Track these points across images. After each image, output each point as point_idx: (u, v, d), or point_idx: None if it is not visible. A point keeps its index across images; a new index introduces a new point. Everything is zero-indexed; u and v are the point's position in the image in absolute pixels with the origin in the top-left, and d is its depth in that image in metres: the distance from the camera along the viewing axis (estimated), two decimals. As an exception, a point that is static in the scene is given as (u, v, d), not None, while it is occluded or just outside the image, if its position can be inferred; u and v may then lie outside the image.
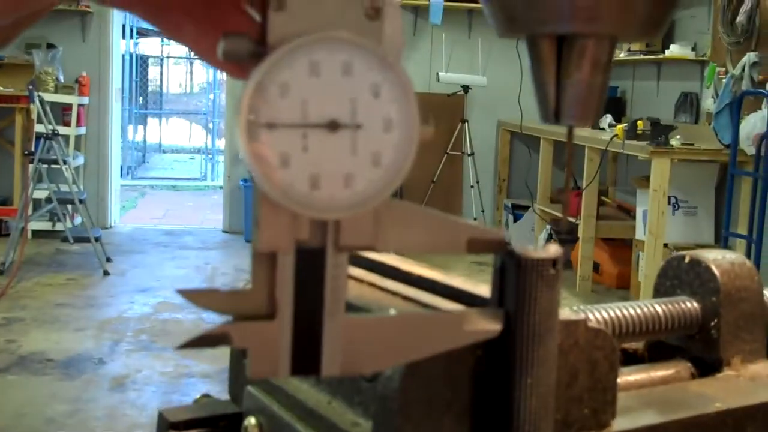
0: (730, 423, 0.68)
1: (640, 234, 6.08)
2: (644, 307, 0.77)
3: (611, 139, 6.13)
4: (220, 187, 9.79)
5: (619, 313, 0.75)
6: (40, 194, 7.24)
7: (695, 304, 0.79)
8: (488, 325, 0.53)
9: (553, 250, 0.54)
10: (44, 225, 7.73)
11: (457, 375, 0.55)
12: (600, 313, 0.75)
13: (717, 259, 0.79)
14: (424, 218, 0.52)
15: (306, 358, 0.49)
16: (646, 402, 0.68)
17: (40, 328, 5.46)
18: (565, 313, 0.58)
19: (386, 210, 0.50)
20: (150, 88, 16.48)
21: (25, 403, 4.27)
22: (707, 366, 0.78)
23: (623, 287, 6.50)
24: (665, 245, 5.67)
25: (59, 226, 7.55)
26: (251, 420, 0.67)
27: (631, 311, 0.76)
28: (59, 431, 3.98)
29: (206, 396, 0.74)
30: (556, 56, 0.54)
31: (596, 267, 6.68)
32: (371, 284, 0.65)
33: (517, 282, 0.53)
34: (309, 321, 0.49)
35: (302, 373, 0.50)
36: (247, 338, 0.49)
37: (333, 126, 0.48)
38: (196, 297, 0.49)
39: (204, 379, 4.71)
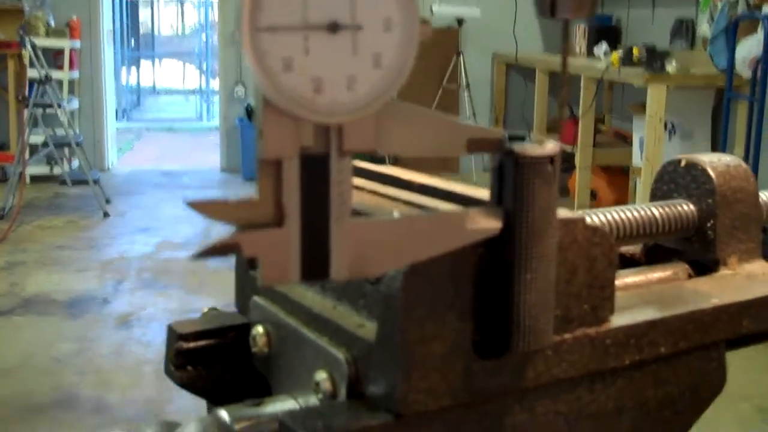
0: (725, 318, 0.70)
1: (636, 160, 6.07)
2: (641, 210, 0.78)
3: (607, 67, 6.10)
4: (216, 128, 9.75)
5: (616, 216, 0.76)
6: (37, 139, 7.21)
7: (692, 207, 0.80)
8: (489, 224, 0.55)
9: (550, 147, 0.55)
10: (42, 169, 7.71)
11: (460, 273, 0.56)
12: (598, 216, 0.76)
13: (713, 161, 0.80)
14: (425, 119, 0.53)
15: (315, 263, 0.50)
16: (644, 300, 0.69)
17: (42, 270, 5.48)
18: (564, 212, 0.60)
19: (388, 112, 0.51)
20: (141, 31, 16.28)
21: (31, 343, 4.31)
22: (704, 267, 0.80)
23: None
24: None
25: (57, 170, 7.53)
26: (258, 329, 0.69)
27: (629, 214, 0.77)
28: (67, 369, 4.02)
29: (213, 309, 0.75)
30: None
31: (593, 195, 6.69)
32: (372, 192, 0.66)
33: (515, 179, 0.54)
34: (316, 226, 0.50)
35: (312, 278, 0.51)
36: (256, 246, 0.50)
37: (333, 27, 0.48)
38: (204, 207, 0.50)
39: (208, 315, 4.75)
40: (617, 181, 6.69)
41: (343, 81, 0.49)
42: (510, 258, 0.55)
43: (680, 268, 0.80)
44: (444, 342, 0.56)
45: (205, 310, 0.75)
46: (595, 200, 6.74)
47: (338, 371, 0.60)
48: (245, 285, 0.73)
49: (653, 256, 0.83)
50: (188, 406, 3.65)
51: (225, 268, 5.58)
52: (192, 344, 0.70)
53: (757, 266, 0.80)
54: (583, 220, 0.60)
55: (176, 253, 5.90)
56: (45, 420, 3.51)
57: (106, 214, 6.74)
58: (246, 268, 0.73)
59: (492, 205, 0.56)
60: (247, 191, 7.78)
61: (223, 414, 0.59)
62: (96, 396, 3.74)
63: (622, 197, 6.54)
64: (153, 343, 4.36)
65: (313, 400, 0.61)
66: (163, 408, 3.58)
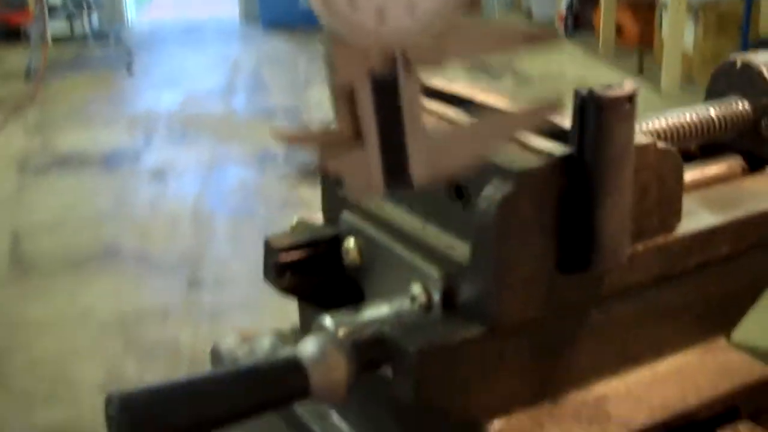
0: None
1: (663, -7, 5.97)
2: (700, 111, 0.83)
3: None
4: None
5: (677, 121, 0.81)
6: (55, -1, 7.15)
7: (746, 105, 0.84)
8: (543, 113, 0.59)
9: (629, 86, 0.59)
10: (63, 30, 7.65)
11: (545, 204, 0.61)
12: (660, 122, 0.80)
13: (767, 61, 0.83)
14: (482, 30, 0.57)
15: (396, 174, 0.56)
16: (705, 204, 0.74)
17: (72, 127, 5.54)
18: (638, 137, 0.64)
19: (448, 30, 0.55)
20: None
21: (71, 199, 4.42)
22: (757, 160, 0.85)
23: (646, 47, 6.44)
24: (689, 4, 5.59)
25: (77, 30, 7.49)
26: (350, 242, 0.75)
27: (688, 117, 0.82)
28: (106, 222, 4.14)
29: (302, 221, 0.81)
30: None
31: (618, 29, 6.61)
32: (433, 113, 0.70)
33: (597, 118, 0.59)
34: (393, 142, 0.56)
35: (395, 187, 0.56)
36: (341, 166, 0.56)
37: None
38: (290, 137, 0.55)
39: (239, 165, 4.83)
40: (643, 15, 6.58)
41: (403, 8, 0.53)
42: (592, 188, 0.60)
43: (734, 162, 0.85)
44: (531, 264, 0.62)
45: (294, 223, 0.81)
46: (620, 35, 6.65)
47: (432, 286, 0.66)
48: (333, 198, 0.79)
49: (707, 149, 0.87)
50: (225, 256, 3.80)
51: (254, 117, 5.63)
52: (288, 257, 0.76)
53: (809, 158, 0.85)
54: (654, 145, 0.65)
55: (203, 104, 5.93)
56: (90, 269, 3.66)
57: (129, 70, 6.75)
58: (334, 183, 0.78)
59: (573, 140, 0.61)
60: (266, 40, 7.74)
61: (327, 322, 0.66)
62: (136, 247, 3.87)
63: (648, 32, 6.45)
64: (187, 195, 4.47)
65: (406, 305, 0.68)
66: (201, 257, 3.72)
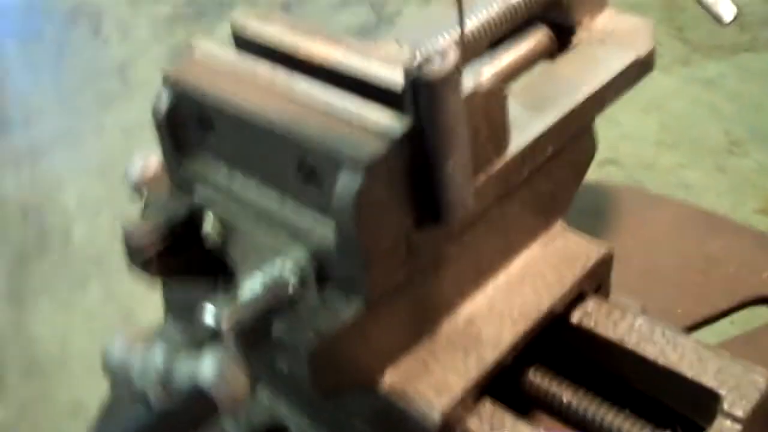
0: (595, 100, 0.81)
1: None
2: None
3: None
4: None
5: (486, 17, 0.84)
6: None
7: None
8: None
9: (452, 55, 0.61)
10: None
11: (396, 180, 0.64)
12: (471, 21, 0.83)
13: None
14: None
15: None
16: (525, 104, 0.78)
17: None
18: (465, 86, 0.66)
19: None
20: None
21: None
22: (561, 29, 0.89)
23: None
24: None
25: None
26: (210, 223, 0.75)
27: (496, 9, 0.85)
28: None
29: (151, 191, 0.80)
30: None
31: None
32: (279, 94, 0.70)
33: (429, 97, 0.61)
34: None
35: None
36: None
37: None
38: None
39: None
40: None
41: None
42: (433, 155, 0.63)
43: (542, 35, 0.89)
44: (393, 234, 0.65)
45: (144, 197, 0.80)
46: None
47: (303, 266, 0.68)
48: (178, 162, 0.78)
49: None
50: (24, 87, 3.56)
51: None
52: (151, 250, 0.76)
53: (606, 18, 0.90)
54: (479, 89, 0.67)
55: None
56: None
57: None
58: (172, 148, 0.77)
59: (408, 108, 0.63)
60: None
61: (209, 318, 0.68)
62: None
63: None
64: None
65: (276, 272, 0.70)
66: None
